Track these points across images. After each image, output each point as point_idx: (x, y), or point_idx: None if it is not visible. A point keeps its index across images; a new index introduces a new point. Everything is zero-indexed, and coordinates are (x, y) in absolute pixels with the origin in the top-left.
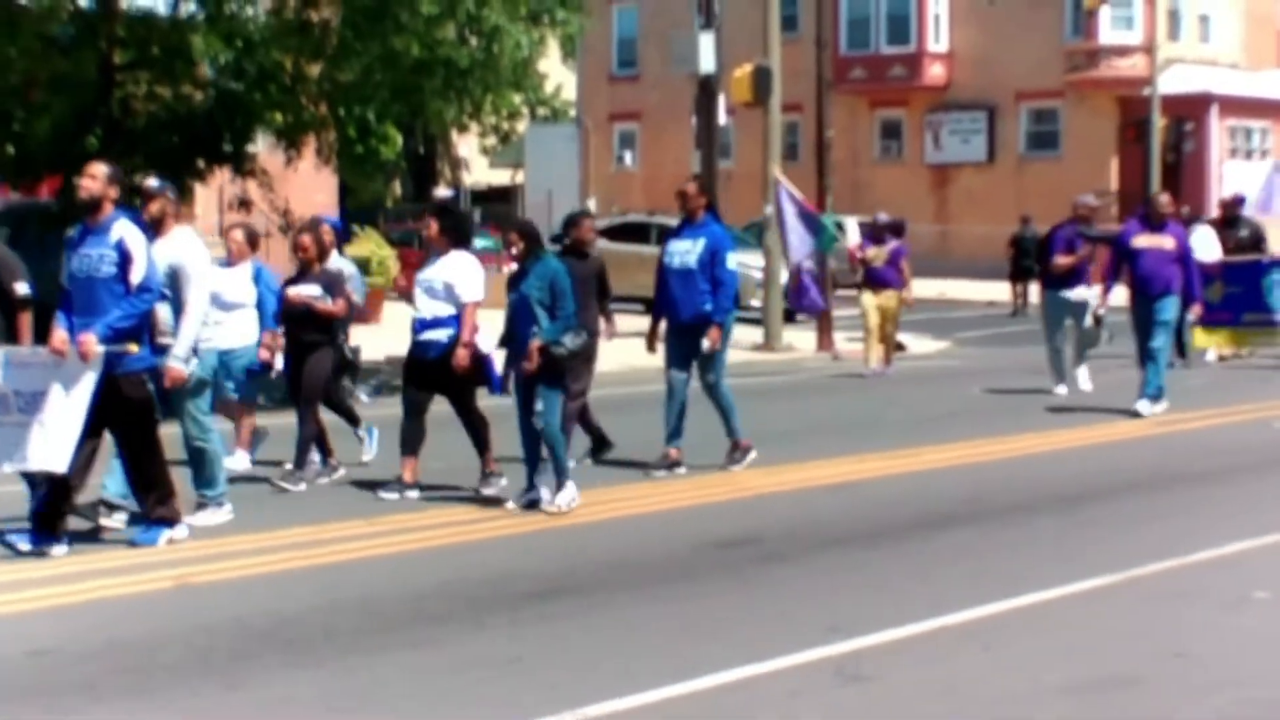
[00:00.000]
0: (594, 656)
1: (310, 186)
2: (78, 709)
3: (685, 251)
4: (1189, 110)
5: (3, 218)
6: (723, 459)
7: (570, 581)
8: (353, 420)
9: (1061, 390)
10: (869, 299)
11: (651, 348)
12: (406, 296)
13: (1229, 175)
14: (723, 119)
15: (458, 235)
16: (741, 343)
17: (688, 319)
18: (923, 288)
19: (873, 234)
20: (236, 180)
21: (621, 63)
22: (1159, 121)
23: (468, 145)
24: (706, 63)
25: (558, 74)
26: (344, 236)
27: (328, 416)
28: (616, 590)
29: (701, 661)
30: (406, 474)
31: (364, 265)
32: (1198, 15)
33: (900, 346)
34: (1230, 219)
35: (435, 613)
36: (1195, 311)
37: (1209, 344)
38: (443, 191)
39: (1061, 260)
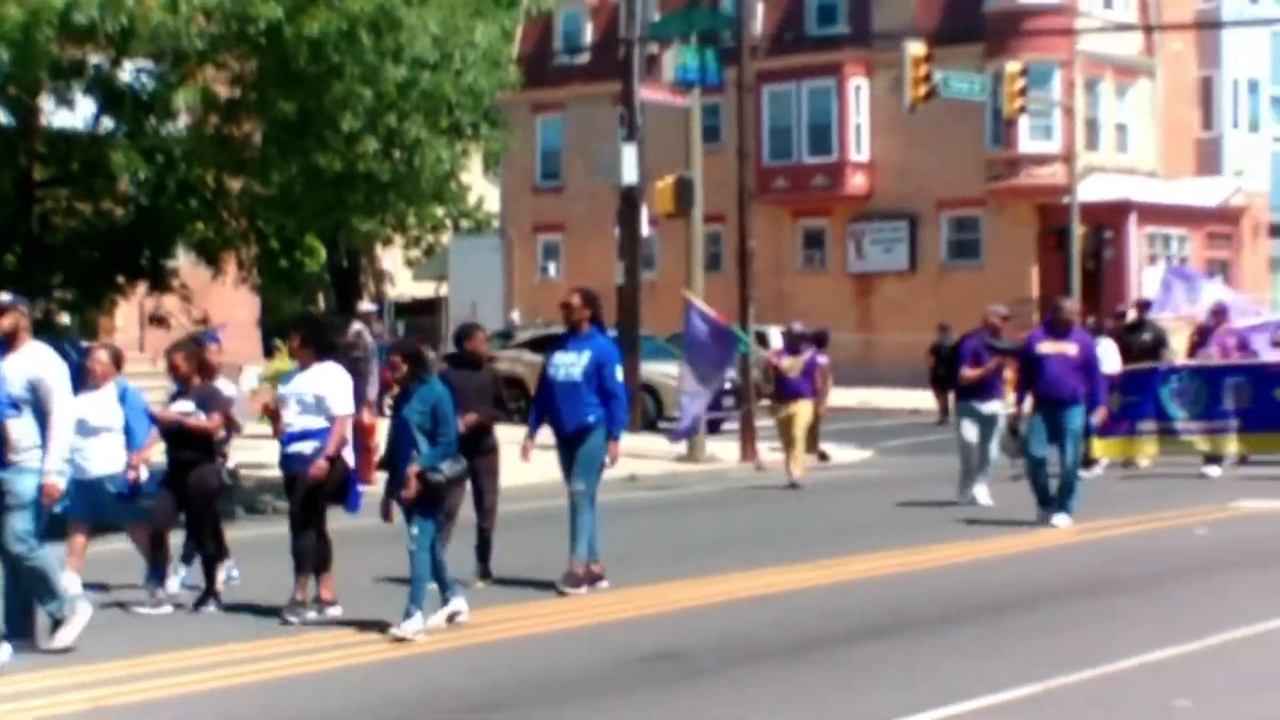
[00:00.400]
0: None
1: (233, 301)
2: None
3: (570, 364)
4: (1108, 218)
5: None
6: (562, 578)
7: (497, 698)
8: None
9: (977, 495)
10: (782, 411)
11: (526, 457)
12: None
13: (1149, 282)
14: (646, 230)
15: (322, 346)
16: (665, 454)
17: (572, 431)
18: (846, 396)
19: (788, 344)
20: (155, 295)
21: (545, 174)
22: (1078, 229)
23: (392, 258)
24: (629, 174)
25: (481, 185)
26: (267, 350)
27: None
28: (544, 706)
29: None
30: (324, 592)
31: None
32: (1115, 124)
33: (824, 456)
34: (1136, 324)
35: None
36: (1099, 415)
37: (1106, 454)
38: (366, 305)
39: (968, 372)
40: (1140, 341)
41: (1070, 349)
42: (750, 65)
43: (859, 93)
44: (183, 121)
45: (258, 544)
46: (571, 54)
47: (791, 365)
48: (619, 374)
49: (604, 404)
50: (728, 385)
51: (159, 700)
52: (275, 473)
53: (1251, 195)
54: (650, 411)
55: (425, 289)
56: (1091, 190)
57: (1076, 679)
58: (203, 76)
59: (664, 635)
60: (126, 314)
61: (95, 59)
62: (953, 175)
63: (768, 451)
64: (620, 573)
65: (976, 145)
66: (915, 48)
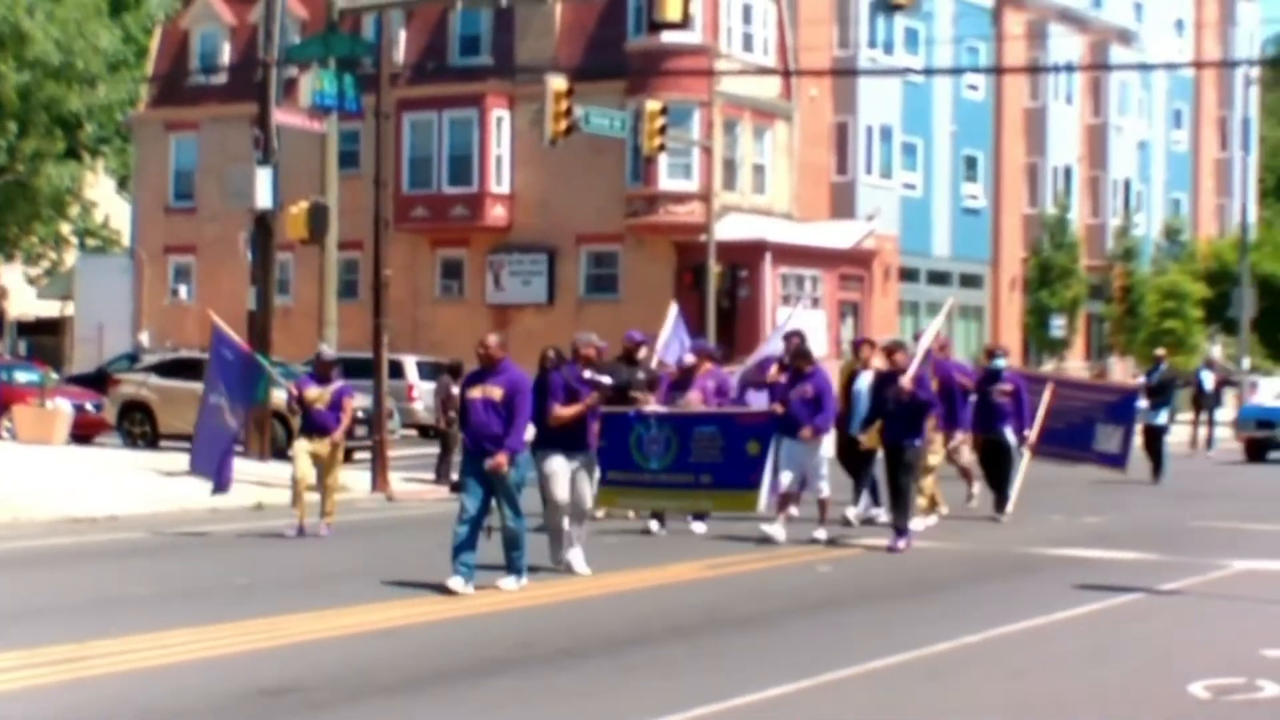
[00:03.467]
0: None
1: None
2: None
3: None
4: (744, 257)
5: None
6: None
7: None
8: None
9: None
10: (302, 445)
11: None
12: None
13: (782, 321)
14: (246, 255)
15: None
16: None
17: None
18: None
19: (316, 373)
20: None
21: (178, 194)
22: (715, 268)
23: (14, 274)
24: (263, 198)
25: (111, 203)
26: None
27: None
28: None
29: None
30: None
31: None
32: (752, 165)
33: (456, 488)
34: (629, 360)
35: None
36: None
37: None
38: None
39: (560, 411)
40: (636, 381)
41: (495, 391)
42: (390, 93)
43: (501, 124)
44: None
45: None
46: (208, 74)
47: (318, 397)
48: None
49: None
50: (360, 414)
51: None
52: None
53: (883, 239)
54: (281, 439)
55: (50, 308)
56: (728, 229)
57: (697, 714)
58: None
59: (281, 669)
60: None
61: None
62: (593, 210)
63: (401, 481)
64: (238, 605)
65: (617, 181)
66: (557, 82)
